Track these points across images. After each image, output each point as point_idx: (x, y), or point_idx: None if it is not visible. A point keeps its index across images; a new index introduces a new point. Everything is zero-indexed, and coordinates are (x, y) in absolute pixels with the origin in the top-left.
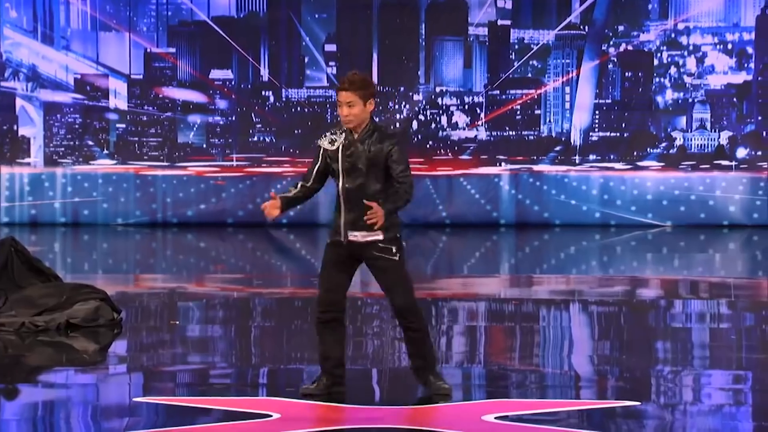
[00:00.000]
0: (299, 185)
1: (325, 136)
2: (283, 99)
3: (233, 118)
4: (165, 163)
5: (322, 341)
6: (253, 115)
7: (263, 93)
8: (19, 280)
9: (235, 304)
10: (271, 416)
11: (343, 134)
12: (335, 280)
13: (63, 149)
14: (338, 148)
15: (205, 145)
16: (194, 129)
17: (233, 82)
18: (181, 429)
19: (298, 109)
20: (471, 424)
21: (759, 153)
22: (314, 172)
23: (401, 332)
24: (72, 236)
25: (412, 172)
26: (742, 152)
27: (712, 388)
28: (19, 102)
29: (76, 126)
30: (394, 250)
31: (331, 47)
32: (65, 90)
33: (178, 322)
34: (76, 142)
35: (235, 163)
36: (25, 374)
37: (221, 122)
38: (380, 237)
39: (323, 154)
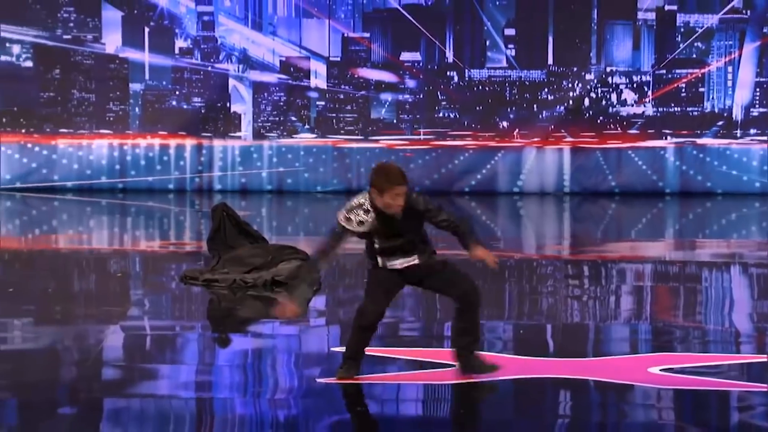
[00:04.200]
0: (319, 266)
1: (349, 218)
2: (466, 78)
3: (421, 96)
4: (359, 137)
5: (357, 340)
6: (439, 93)
7: (448, 73)
8: (231, 241)
9: None
10: (453, 366)
11: (370, 212)
12: (384, 295)
13: (269, 124)
14: (370, 229)
15: (395, 121)
16: (386, 106)
17: (421, 64)
18: (373, 376)
19: (480, 87)
20: (638, 375)
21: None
22: (335, 249)
23: (458, 316)
24: (277, 202)
25: (585, 145)
26: None
27: None
28: (231, 82)
29: (281, 103)
30: (435, 257)
31: (510, 31)
32: (272, 71)
33: None
34: (281, 118)
35: (422, 137)
36: (236, 325)
37: (410, 100)
38: (417, 261)
39: (348, 235)
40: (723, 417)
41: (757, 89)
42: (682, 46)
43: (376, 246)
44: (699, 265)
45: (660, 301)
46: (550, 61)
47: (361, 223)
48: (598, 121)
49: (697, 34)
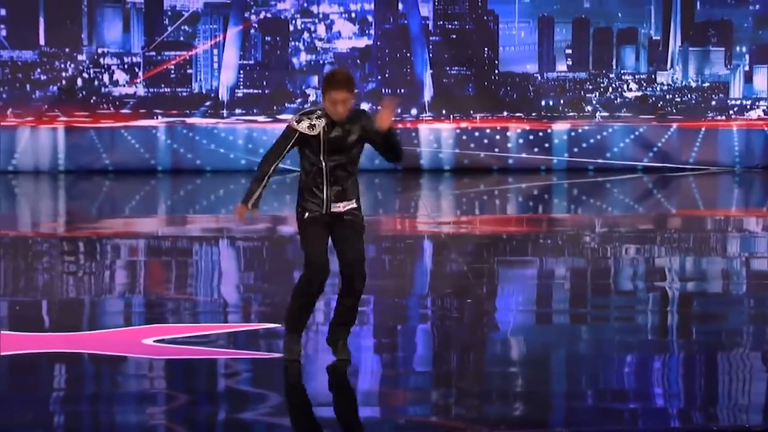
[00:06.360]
0: (266, 174)
1: (301, 120)
2: None
3: None
4: None
5: (306, 308)
6: None
7: None
8: None
9: None
10: None
11: (323, 119)
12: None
13: None
14: (319, 133)
15: None
16: None
17: None
18: None
19: None
20: (133, 346)
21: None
22: (283, 153)
23: (338, 298)
24: None
25: (79, 125)
26: (364, 106)
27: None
28: None
29: None
30: (361, 214)
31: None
32: None
33: None
34: None
35: None
36: None
37: None
38: (355, 205)
39: (298, 138)
40: (211, 383)
41: (241, 71)
42: (170, 29)
43: (322, 166)
44: (190, 240)
45: (153, 275)
46: (42, 42)
47: (312, 126)
48: (91, 101)
49: (183, 18)
